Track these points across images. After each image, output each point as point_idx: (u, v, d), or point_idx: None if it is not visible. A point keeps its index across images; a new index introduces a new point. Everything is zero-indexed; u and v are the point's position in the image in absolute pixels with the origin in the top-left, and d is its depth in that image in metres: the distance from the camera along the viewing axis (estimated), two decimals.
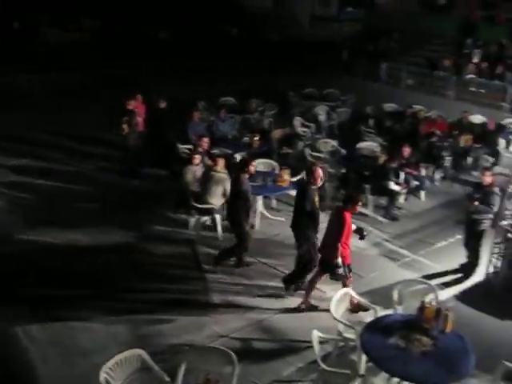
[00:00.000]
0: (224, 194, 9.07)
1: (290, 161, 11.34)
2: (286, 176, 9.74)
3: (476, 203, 8.24)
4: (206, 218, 9.40)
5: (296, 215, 7.78)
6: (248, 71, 19.93)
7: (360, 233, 7.47)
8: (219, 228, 9.24)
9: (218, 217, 9.20)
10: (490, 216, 8.34)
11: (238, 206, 8.09)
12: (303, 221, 7.62)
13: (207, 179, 9.14)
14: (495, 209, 8.24)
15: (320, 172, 7.65)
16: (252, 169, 8.36)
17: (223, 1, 26.98)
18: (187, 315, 7.28)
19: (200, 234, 9.27)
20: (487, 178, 8.36)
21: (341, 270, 7.19)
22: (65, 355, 6.47)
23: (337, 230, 7.11)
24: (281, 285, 7.93)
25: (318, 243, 7.55)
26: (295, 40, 24.13)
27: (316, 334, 5.68)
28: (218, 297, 7.74)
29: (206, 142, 10.54)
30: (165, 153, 11.56)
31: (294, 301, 7.66)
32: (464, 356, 5.54)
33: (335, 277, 7.35)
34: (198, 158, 9.73)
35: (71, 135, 13.77)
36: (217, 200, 9.09)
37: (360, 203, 7.37)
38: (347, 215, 7.09)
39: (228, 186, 9.06)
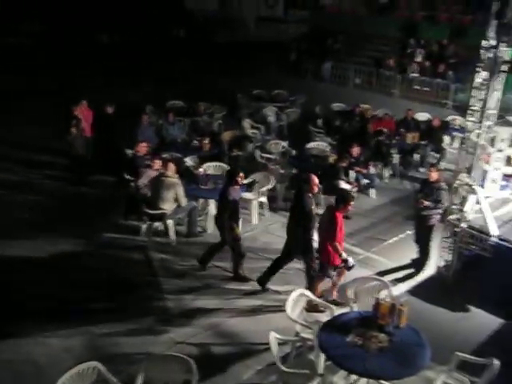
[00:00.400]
0: (176, 199, 8.99)
1: (241, 163, 11.33)
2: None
3: (426, 203, 8.40)
4: (157, 224, 9.28)
5: (291, 221, 7.83)
6: (195, 74, 19.83)
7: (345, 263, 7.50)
8: (172, 233, 9.14)
9: (170, 222, 9.09)
10: (439, 211, 8.53)
11: (225, 217, 7.98)
12: (299, 227, 7.62)
13: (158, 184, 9.02)
14: (443, 204, 8.43)
15: (316, 180, 7.70)
16: (240, 180, 8.20)
17: (168, 5, 26.76)
18: (143, 323, 7.14)
19: (152, 240, 9.14)
20: (433, 174, 8.57)
21: (351, 262, 7.34)
22: (19, 373, 6.24)
23: (328, 230, 7.24)
24: (237, 287, 7.93)
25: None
26: (242, 42, 24.16)
27: (273, 336, 5.66)
28: (173, 303, 7.64)
29: (143, 146, 10.44)
30: (113, 159, 11.35)
31: (250, 303, 7.65)
32: (419, 349, 5.63)
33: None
34: (157, 163, 9.60)
35: (16, 143, 13.36)
36: (168, 205, 8.99)
37: (352, 203, 7.48)
38: (339, 215, 7.23)
39: (180, 191, 8.98)
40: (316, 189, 7.75)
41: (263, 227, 9.88)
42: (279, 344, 5.81)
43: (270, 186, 10.09)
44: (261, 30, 26.48)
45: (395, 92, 19.38)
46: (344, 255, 7.28)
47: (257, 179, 10.21)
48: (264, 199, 10.12)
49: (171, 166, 9.12)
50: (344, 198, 7.35)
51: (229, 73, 19.81)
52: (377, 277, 7.14)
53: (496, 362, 5.35)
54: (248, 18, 27.80)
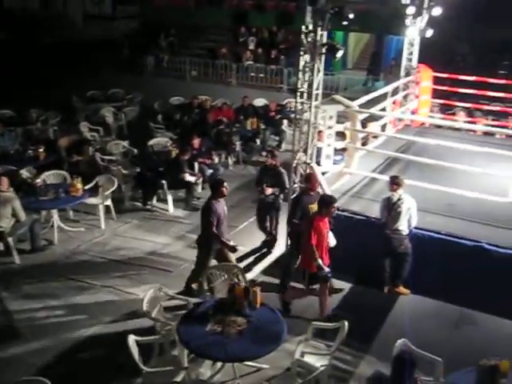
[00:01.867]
0: (13, 215, 8.44)
1: (82, 168, 10.91)
2: (79, 185, 9.38)
3: (269, 190, 8.66)
4: None
5: (289, 222, 7.73)
6: (22, 79, 18.57)
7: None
8: (14, 252, 8.56)
9: (10, 240, 8.51)
10: (282, 194, 8.80)
11: (208, 233, 7.36)
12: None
13: None
14: (286, 185, 8.72)
15: (317, 177, 7.55)
16: (225, 191, 7.46)
17: None
18: None
19: None
20: (270, 160, 8.85)
21: (326, 271, 6.94)
22: None
23: (305, 234, 6.94)
24: (90, 298, 7.65)
25: None
26: (70, 41, 23.06)
27: (132, 339, 5.55)
28: (26, 326, 7.11)
29: None
30: None
31: (107, 311, 7.42)
32: (277, 325, 5.85)
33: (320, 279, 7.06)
34: None
35: None
36: (6, 222, 8.41)
37: (335, 205, 7.10)
38: (317, 219, 6.88)
39: (17, 205, 8.43)
40: (317, 186, 7.63)
41: (112, 231, 9.64)
42: (141, 345, 5.71)
43: (113, 188, 9.83)
44: (90, 28, 25.47)
45: (232, 81, 19.81)
46: (319, 262, 6.87)
47: (100, 183, 9.92)
48: (109, 202, 9.86)
49: (4, 180, 8.52)
50: (326, 201, 6.98)
51: (60, 75, 18.86)
52: (229, 263, 7.26)
53: (346, 324, 5.71)
54: (75, 16, 26.68)
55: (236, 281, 6.47)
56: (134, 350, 5.49)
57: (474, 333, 7.07)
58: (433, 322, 7.26)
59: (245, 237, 9.31)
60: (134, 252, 8.90)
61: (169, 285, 7.53)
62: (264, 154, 13.14)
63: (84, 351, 6.72)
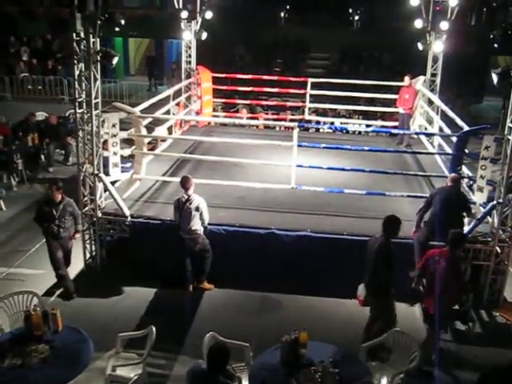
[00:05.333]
0: None
1: None
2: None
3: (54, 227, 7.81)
4: None
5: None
6: None
7: None
8: None
9: None
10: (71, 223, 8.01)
11: (387, 279, 6.30)
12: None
13: None
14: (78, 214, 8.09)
15: None
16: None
17: None
18: None
19: None
20: (56, 194, 7.67)
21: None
22: None
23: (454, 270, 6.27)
24: None
25: None
26: None
27: None
28: None
29: None
30: None
31: None
32: (82, 345, 5.62)
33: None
34: None
35: None
36: None
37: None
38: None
39: None
40: None
41: None
42: None
43: None
44: None
45: (7, 95, 18.61)
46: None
47: None
48: None
49: None
50: (460, 238, 6.38)
51: None
52: (22, 290, 6.76)
53: (153, 330, 5.73)
54: None
55: (32, 307, 6.05)
56: None
57: (278, 313, 7.55)
58: (239, 311, 7.59)
59: (39, 260, 8.67)
60: None
61: None
62: (51, 169, 12.64)
63: None
